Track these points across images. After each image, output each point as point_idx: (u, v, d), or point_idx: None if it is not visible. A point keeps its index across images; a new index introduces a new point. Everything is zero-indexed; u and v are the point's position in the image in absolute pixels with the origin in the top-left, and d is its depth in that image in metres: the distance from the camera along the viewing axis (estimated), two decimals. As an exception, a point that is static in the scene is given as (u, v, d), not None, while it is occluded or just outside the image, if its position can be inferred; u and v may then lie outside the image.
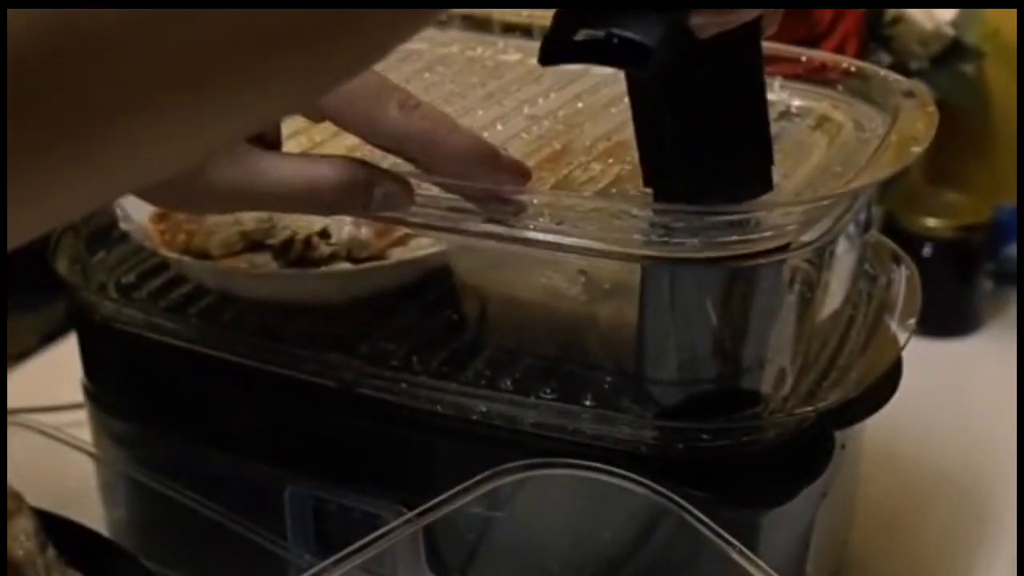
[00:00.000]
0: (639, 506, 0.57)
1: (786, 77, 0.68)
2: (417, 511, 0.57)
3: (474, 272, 0.64)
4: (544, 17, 0.81)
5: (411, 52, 0.81)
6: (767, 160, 0.54)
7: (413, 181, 0.59)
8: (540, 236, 0.56)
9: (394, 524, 0.57)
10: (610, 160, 0.64)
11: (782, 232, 0.54)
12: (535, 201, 0.56)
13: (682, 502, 0.55)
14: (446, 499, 0.57)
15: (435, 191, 0.58)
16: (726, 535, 0.54)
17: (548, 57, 0.48)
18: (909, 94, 0.64)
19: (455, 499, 0.57)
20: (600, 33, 0.46)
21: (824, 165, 0.62)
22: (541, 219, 0.55)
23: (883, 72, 0.69)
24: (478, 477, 0.57)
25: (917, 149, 0.59)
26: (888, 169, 0.57)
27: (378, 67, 0.81)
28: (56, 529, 0.61)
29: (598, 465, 0.57)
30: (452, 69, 0.77)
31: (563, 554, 0.61)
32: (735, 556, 0.54)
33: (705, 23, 0.49)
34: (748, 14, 0.49)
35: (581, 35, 0.46)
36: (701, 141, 0.52)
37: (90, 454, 0.75)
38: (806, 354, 0.61)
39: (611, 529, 0.60)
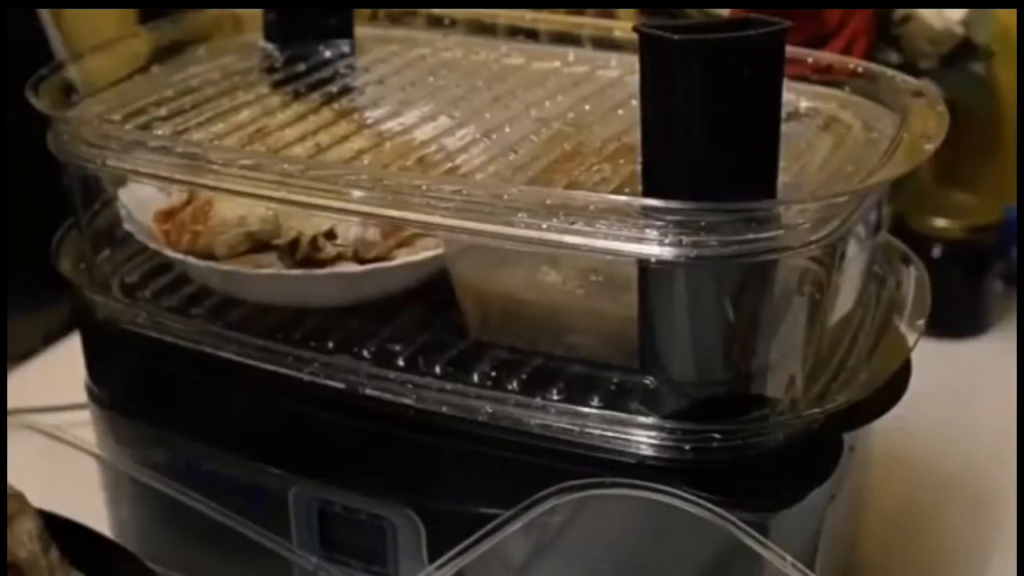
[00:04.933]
0: (690, 525, 0.56)
1: (794, 78, 0.68)
2: (461, 547, 0.58)
3: (475, 274, 0.64)
4: (548, 21, 0.81)
5: (415, 57, 0.80)
6: (773, 162, 0.54)
7: (419, 182, 0.59)
8: (552, 236, 0.55)
9: (430, 569, 0.59)
10: (621, 161, 0.64)
11: (797, 230, 0.54)
12: (548, 202, 0.56)
13: (731, 517, 0.55)
14: (487, 533, 0.58)
15: (443, 191, 0.57)
16: (784, 554, 0.54)
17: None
18: (918, 94, 0.64)
19: (500, 529, 0.58)
20: None
21: (834, 165, 0.62)
22: (555, 219, 0.55)
23: (891, 72, 0.69)
24: (523, 503, 0.58)
25: (930, 147, 0.59)
26: (902, 166, 0.58)
27: (384, 70, 0.81)
28: (59, 530, 0.61)
29: (649, 484, 0.57)
30: (457, 73, 0.77)
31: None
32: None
33: None
34: None
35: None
36: (715, 135, 0.52)
37: (93, 455, 0.75)
38: (816, 357, 0.61)
39: (661, 551, 0.60)
